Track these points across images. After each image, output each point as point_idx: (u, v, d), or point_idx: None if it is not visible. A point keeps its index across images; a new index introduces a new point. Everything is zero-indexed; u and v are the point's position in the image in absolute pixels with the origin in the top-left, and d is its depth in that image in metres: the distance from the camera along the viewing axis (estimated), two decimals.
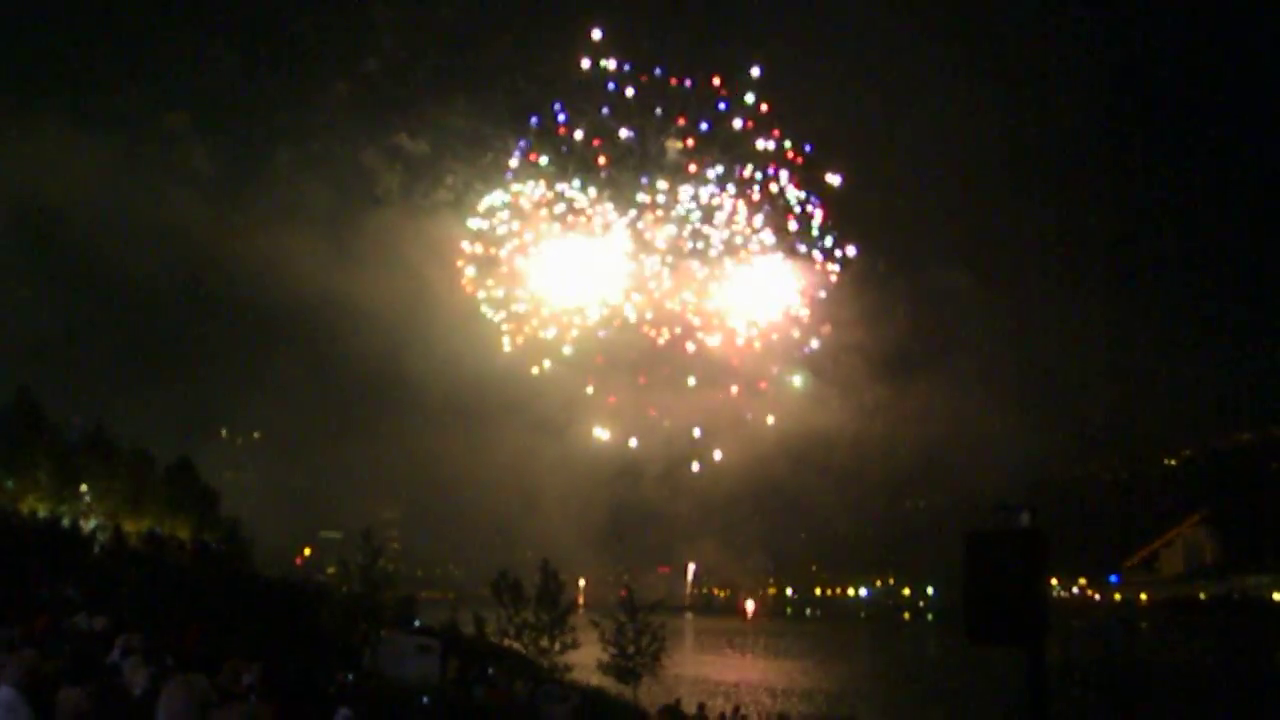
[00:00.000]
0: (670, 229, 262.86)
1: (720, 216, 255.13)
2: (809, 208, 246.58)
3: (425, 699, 42.80)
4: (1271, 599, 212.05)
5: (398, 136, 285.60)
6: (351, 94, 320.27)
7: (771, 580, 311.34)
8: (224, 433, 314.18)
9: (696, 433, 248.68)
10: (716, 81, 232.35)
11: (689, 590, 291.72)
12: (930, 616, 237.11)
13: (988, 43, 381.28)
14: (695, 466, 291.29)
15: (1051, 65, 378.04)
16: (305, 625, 56.47)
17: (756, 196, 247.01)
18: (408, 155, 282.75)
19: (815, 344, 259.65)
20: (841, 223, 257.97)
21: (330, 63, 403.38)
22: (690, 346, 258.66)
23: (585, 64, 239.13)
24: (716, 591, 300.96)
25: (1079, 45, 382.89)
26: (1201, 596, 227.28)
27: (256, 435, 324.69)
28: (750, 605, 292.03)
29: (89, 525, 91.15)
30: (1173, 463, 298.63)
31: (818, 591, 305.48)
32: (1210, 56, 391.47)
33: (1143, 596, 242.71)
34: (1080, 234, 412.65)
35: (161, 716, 8.00)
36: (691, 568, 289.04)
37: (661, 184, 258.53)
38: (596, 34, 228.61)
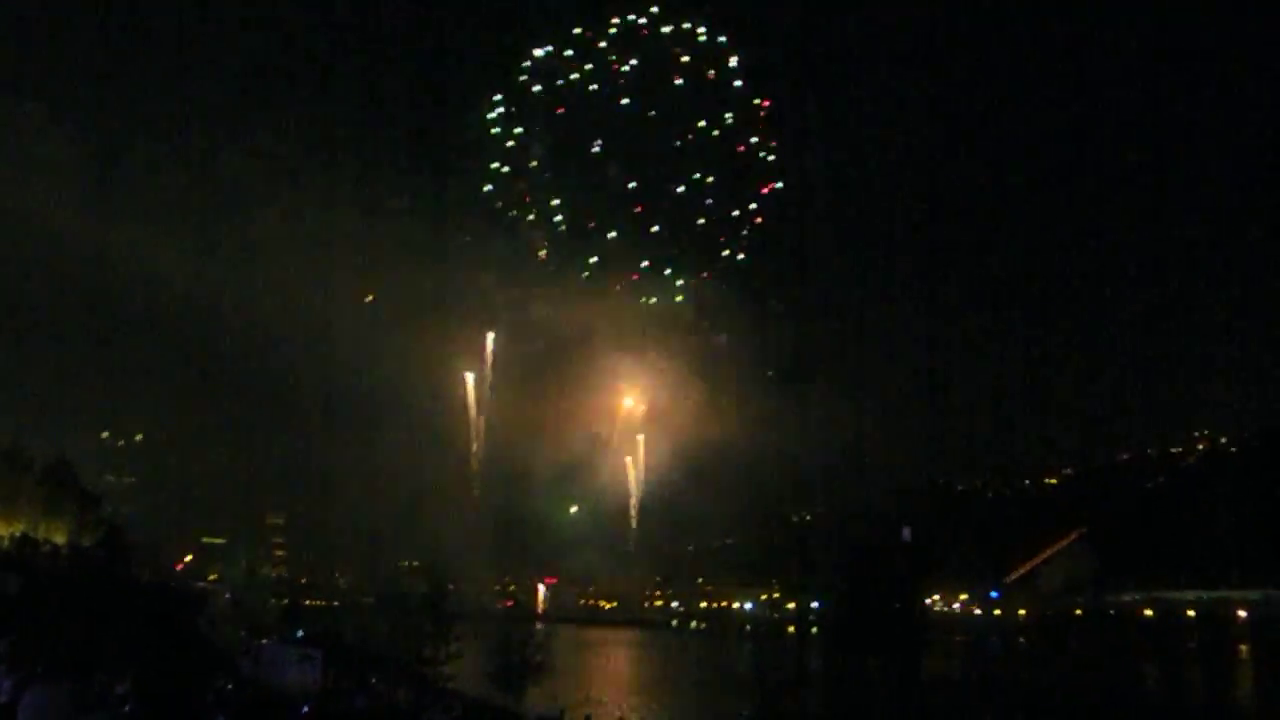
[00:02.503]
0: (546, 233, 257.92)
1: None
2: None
3: (305, 708, 42.34)
4: (1144, 615, 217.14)
5: (262, 136, 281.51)
6: (216, 91, 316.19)
7: (656, 592, 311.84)
8: (105, 435, 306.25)
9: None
10: None
11: (580, 601, 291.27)
12: (814, 629, 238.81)
13: (884, 49, 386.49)
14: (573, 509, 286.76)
15: (936, 68, 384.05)
16: (184, 632, 55.59)
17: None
18: (273, 154, 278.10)
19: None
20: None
21: (195, 60, 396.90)
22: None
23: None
24: (602, 604, 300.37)
25: (968, 55, 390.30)
26: (1078, 612, 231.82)
27: (139, 437, 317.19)
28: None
29: None
30: (1053, 481, 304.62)
31: (703, 604, 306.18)
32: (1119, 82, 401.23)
33: (1022, 612, 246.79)
34: (968, 252, 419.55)
35: None
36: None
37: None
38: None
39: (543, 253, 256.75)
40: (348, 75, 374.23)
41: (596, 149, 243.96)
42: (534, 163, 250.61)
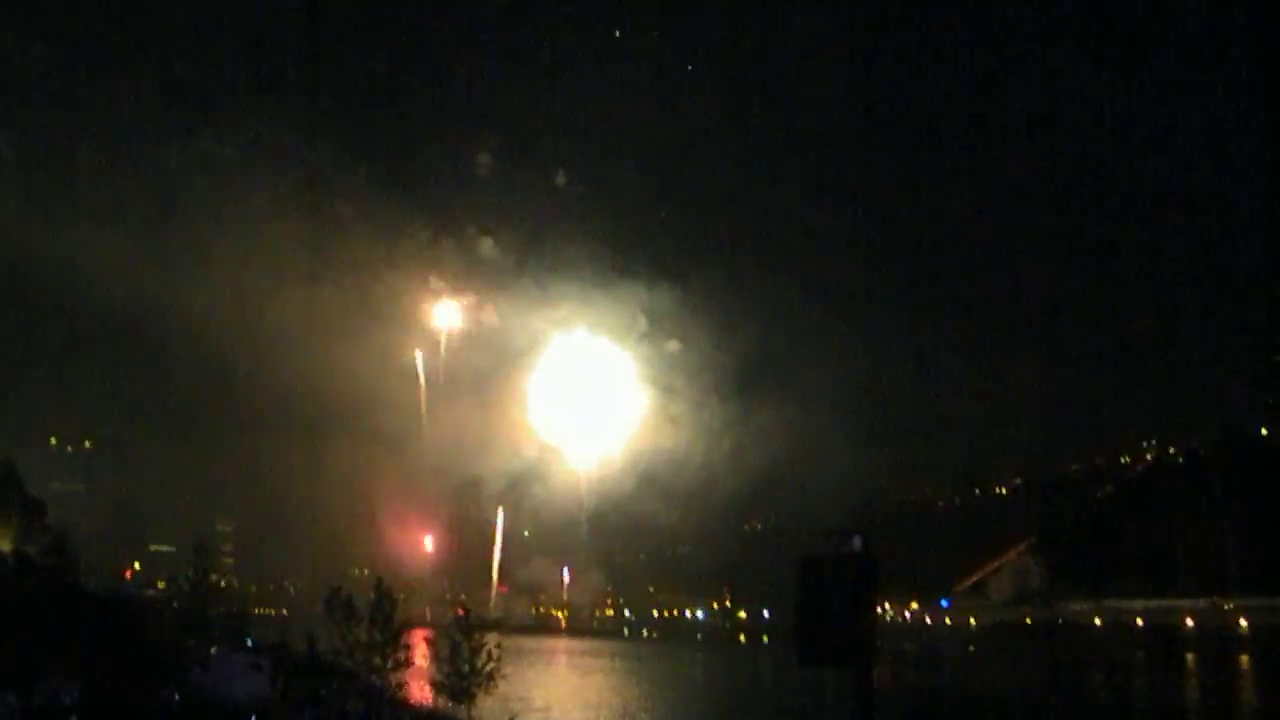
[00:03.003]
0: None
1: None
2: None
3: (254, 718, 42.14)
4: (1092, 623, 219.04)
5: (206, 139, 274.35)
6: (160, 93, 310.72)
7: (608, 601, 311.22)
8: (52, 441, 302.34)
9: None
10: None
11: (532, 610, 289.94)
12: (765, 639, 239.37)
13: (821, 65, 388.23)
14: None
15: (876, 88, 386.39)
16: (131, 641, 55.09)
17: None
18: (219, 158, 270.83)
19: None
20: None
21: (139, 61, 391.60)
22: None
23: None
24: (554, 612, 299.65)
25: (922, 64, 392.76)
26: (1028, 621, 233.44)
27: (87, 444, 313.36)
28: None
29: None
30: (1003, 490, 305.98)
31: (655, 613, 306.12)
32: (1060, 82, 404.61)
33: (972, 620, 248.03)
34: (919, 262, 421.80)
35: None
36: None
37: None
38: None
39: (492, 261, 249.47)
40: (294, 78, 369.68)
41: (546, 156, 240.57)
42: (482, 170, 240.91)
